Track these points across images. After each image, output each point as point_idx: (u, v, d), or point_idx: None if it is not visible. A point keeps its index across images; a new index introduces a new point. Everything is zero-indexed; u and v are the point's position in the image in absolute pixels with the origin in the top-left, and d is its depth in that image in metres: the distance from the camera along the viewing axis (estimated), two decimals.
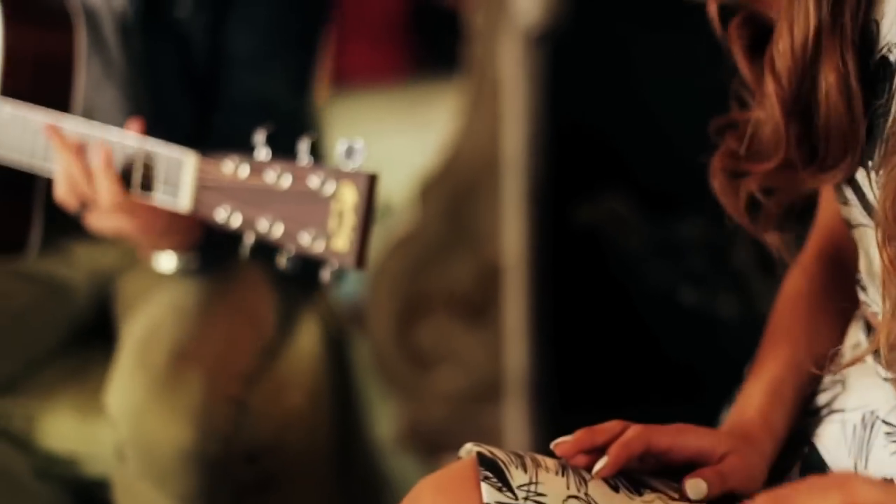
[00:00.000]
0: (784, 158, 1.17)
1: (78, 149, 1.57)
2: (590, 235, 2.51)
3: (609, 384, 2.53)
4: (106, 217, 1.59)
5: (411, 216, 2.79)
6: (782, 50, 1.13)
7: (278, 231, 1.38)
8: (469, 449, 1.17)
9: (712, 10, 1.21)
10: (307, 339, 2.13)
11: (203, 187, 1.44)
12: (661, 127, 2.35)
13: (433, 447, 2.85)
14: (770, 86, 1.15)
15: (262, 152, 1.40)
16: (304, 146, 1.37)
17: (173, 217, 1.59)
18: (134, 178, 1.54)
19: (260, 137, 1.40)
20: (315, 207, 1.35)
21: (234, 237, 1.73)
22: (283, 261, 1.39)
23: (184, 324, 1.82)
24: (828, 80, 1.12)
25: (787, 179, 1.21)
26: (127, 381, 1.76)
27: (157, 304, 1.87)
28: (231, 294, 1.91)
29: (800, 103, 1.14)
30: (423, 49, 6.56)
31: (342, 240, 1.34)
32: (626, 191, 2.49)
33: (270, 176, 1.38)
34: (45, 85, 1.71)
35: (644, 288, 2.42)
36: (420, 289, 2.80)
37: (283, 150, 1.41)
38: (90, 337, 2.03)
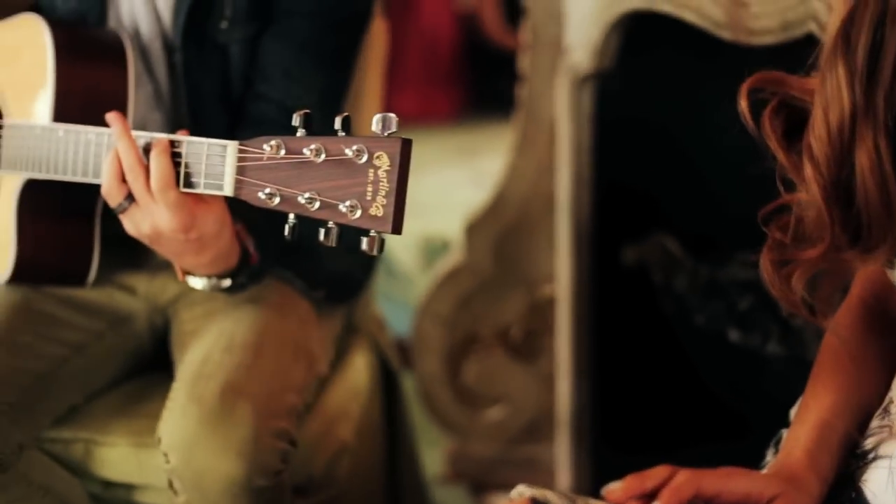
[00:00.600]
0: (830, 243, 1.17)
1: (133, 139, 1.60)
2: (638, 275, 2.52)
3: (656, 423, 2.53)
4: (147, 213, 1.59)
5: (460, 252, 2.81)
6: (819, 136, 1.14)
7: (318, 206, 1.38)
8: (521, 491, 1.17)
9: (743, 105, 1.20)
10: (357, 374, 2.15)
11: (244, 171, 1.45)
12: (712, 168, 2.36)
13: (481, 484, 2.85)
14: (809, 172, 1.15)
15: (301, 133, 1.42)
16: (339, 122, 1.38)
17: (216, 227, 1.61)
18: (179, 171, 1.55)
19: (297, 119, 1.41)
20: (351, 177, 1.36)
21: (268, 260, 1.76)
22: (323, 235, 1.39)
23: (235, 357, 1.83)
24: (862, 163, 1.12)
25: (836, 262, 1.20)
26: (179, 413, 1.78)
27: (209, 338, 1.89)
28: (282, 328, 1.93)
29: (840, 188, 1.14)
30: (476, 89, 6.60)
31: (378, 206, 1.35)
32: (674, 231, 2.50)
33: (308, 150, 1.39)
34: (96, 114, 1.73)
35: (692, 327, 2.42)
36: (468, 325, 2.80)
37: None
38: (148, 368, 2.07)
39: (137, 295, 2.05)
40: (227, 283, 1.75)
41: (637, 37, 2.40)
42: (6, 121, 1.90)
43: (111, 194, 1.62)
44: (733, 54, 2.21)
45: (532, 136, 2.65)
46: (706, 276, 2.45)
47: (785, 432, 1.40)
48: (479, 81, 6.59)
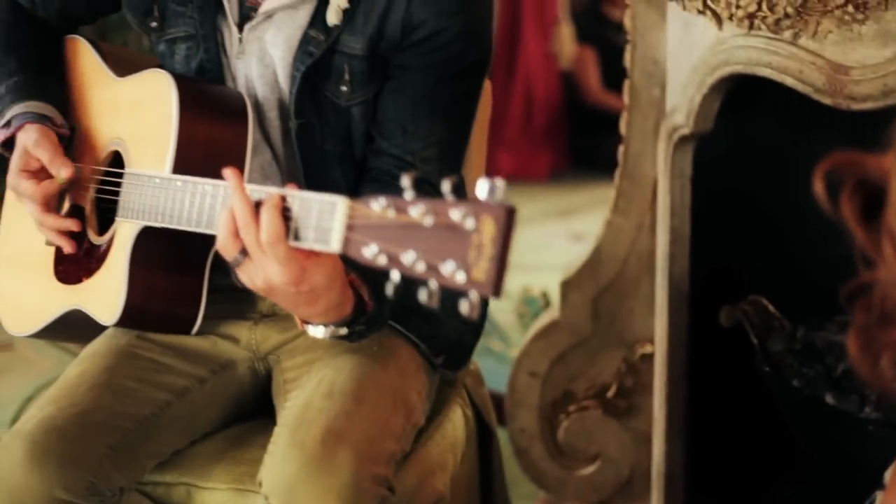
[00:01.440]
0: None
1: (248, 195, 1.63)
2: (735, 335, 2.52)
3: (750, 482, 2.52)
4: (260, 266, 1.61)
5: (557, 309, 2.82)
6: None
7: (421, 266, 1.40)
8: None
9: (819, 188, 1.19)
10: (453, 426, 2.17)
11: (352, 228, 1.47)
12: (810, 230, 2.36)
13: None
14: (890, 252, 1.14)
15: (409, 194, 1.43)
16: (446, 186, 1.39)
17: (327, 280, 1.63)
18: (289, 226, 1.58)
19: (406, 181, 1.43)
20: (456, 241, 1.37)
21: (382, 309, 1.78)
22: (424, 296, 1.40)
23: (336, 403, 1.86)
24: None
25: None
26: (280, 457, 1.80)
27: (311, 384, 1.92)
28: (382, 377, 1.95)
29: None
30: (574, 147, 6.62)
31: (481, 270, 1.36)
32: (772, 292, 2.50)
33: (415, 213, 1.40)
34: (214, 168, 1.78)
35: (788, 389, 2.41)
36: (564, 382, 2.81)
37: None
38: (249, 414, 2.10)
39: (240, 343, 2.09)
40: (343, 331, 1.77)
41: (737, 99, 2.42)
42: (128, 170, 1.97)
43: (226, 248, 1.64)
44: (833, 118, 2.22)
45: (631, 195, 2.67)
46: (803, 339, 2.44)
47: (879, 495, 1.40)
48: (577, 140, 6.62)
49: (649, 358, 2.68)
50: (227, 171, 1.65)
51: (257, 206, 1.61)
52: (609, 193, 2.73)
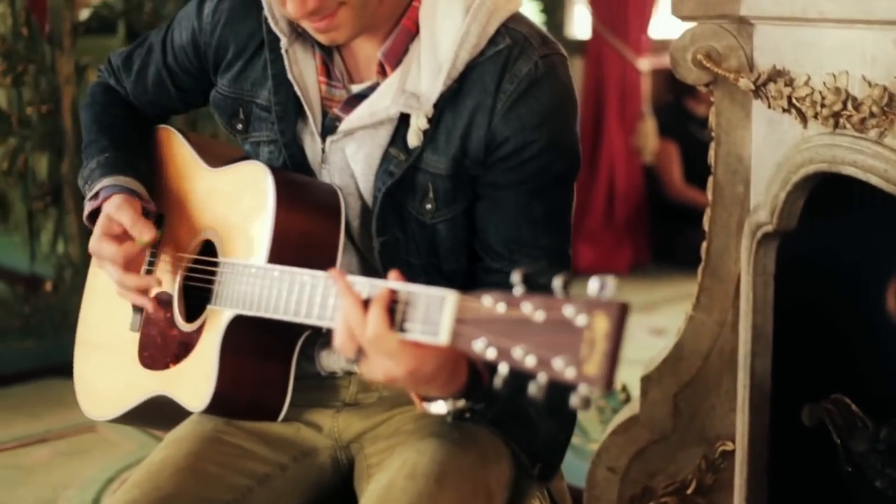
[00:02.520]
0: None
1: (356, 293, 1.65)
2: (817, 434, 2.49)
3: None
4: (376, 361, 1.63)
5: (637, 404, 2.81)
6: None
7: (532, 361, 1.41)
8: None
9: (892, 304, 1.21)
10: None
11: (461, 322, 1.49)
12: (892, 331, 2.34)
13: None
14: None
15: (519, 289, 1.45)
16: (558, 282, 1.41)
17: (439, 361, 1.64)
18: (396, 318, 1.60)
19: (516, 277, 1.45)
20: (568, 336, 1.38)
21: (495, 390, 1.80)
22: (533, 389, 1.41)
23: (418, 485, 1.86)
24: None
25: None
26: None
27: (393, 467, 1.93)
28: (463, 462, 1.95)
29: None
30: (656, 241, 6.61)
31: (593, 366, 1.37)
32: (855, 391, 2.48)
33: (526, 308, 1.42)
34: (308, 260, 1.82)
35: (870, 490, 2.38)
36: (643, 478, 2.79)
37: None
38: (331, 499, 2.11)
39: (322, 431, 2.10)
40: (462, 403, 1.77)
41: (822, 197, 2.41)
42: (222, 259, 2.00)
43: (345, 348, 1.66)
44: None
45: (714, 291, 2.66)
46: (886, 439, 2.41)
47: None
48: (658, 234, 6.61)
49: (730, 455, 2.66)
50: (332, 273, 1.68)
51: (367, 302, 1.63)
52: (690, 288, 2.73)
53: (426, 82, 1.90)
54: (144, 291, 2.04)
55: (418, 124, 1.92)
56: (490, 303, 1.46)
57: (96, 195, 2.09)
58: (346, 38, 1.90)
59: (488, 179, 1.95)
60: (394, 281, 1.63)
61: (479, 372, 1.76)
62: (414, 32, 1.92)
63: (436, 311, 1.53)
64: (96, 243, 2.03)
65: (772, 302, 2.51)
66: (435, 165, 1.94)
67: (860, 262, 2.45)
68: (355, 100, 1.97)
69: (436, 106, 1.91)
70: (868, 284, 2.36)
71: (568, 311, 1.39)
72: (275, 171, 1.97)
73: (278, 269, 1.85)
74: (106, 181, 2.09)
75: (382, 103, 1.93)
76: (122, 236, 2.02)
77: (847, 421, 2.46)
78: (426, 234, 1.99)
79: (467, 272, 2.02)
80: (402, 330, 1.59)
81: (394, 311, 1.60)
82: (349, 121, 1.97)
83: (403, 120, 1.94)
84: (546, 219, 1.97)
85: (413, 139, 1.93)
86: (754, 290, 2.50)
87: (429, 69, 1.90)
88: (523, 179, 1.93)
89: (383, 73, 1.95)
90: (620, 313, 1.38)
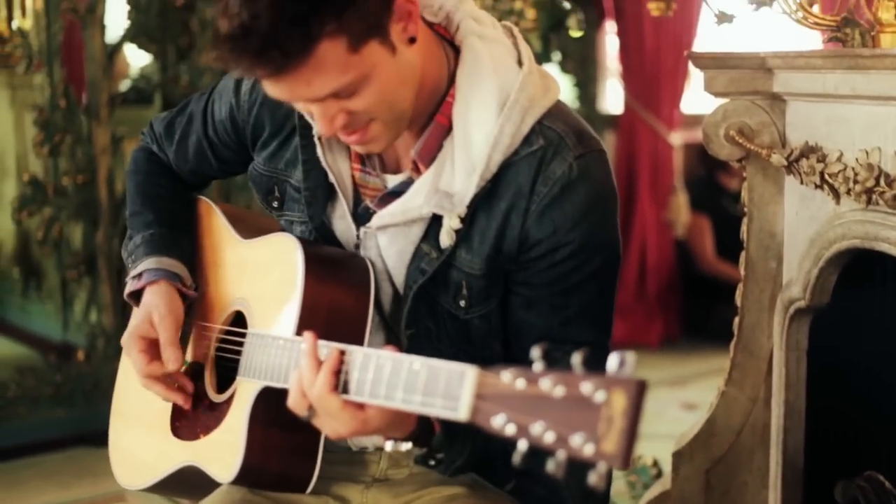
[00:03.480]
0: None
1: (317, 357, 1.73)
2: None
3: None
4: (323, 420, 1.73)
5: (668, 480, 2.79)
6: None
7: (550, 437, 1.40)
8: None
9: None
10: None
11: (481, 398, 1.49)
12: None
13: None
14: None
15: (538, 365, 1.45)
16: (577, 358, 1.41)
17: (384, 419, 1.71)
18: (340, 380, 1.69)
19: (536, 352, 1.45)
20: (586, 413, 1.38)
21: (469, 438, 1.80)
22: (552, 466, 1.40)
23: None
24: None
25: None
26: None
27: None
28: None
29: None
30: (687, 316, 6.59)
31: (611, 442, 1.36)
32: (888, 468, 2.46)
33: (545, 385, 1.42)
34: (336, 332, 1.81)
35: None
36: None
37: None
38: None
39: (350, 501, 2.09)
40: (406, 446, 1.82)
41: (855, 273, 2.41)
42: (251, 330, 2.01)
43: (296, 406, 1.76)
44: None
45: (746, 367, 2.65)
46: None
47: None
48: (690, 308, 6.59)
49: None
50: (305, 335, 1.75)
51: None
52: (722, 363, 2.72)
53: (459, 182, 1.88)
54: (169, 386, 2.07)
55: (451, 224, 1.91)
56: (509, 378, 1.46)
57: (139, 275, 2.10)
58: (381, 148, 1.89)
59: (521, 278, 1.93)
60: (391, 350, 1.67)
61: (429, 420, 1.80)
62: (447, 128, 1.90)
63: (456, 386, 1.53)
64: (129, 341, 2.06)
65: (804, 378, 2.50)
66: (469, 265, 1.93)
67: (893, 338, 2.43)
68: (389, 197, 1.97)
69: (469, 206, 1.89)
70: None
71: (586, 387, 1.39)
72: (304, 243, 1.97)
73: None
74: (150, 262, 2.11)
75: (415, 202, 1.92)
76: (154, 346, 2.05)
77: (881, 498, 2.44)
78: (459, 327, 1.98)
79: (502, 358, 2.00)
80: (345, 391, 1.69)
81: (340, 372, 1.69)
82: (381, 216, 1.96)
83: (436, 217, 1.92)
84: (581, 315, 1.95)
85: (445, 239, 1.92)
86: (787, 365, 2.49)
87: (462, 169, 1.88)
88: (556, 279, 1.91)
89: (416, 169, 1.94)
90: (638, 390, 1.37)
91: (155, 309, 2.05)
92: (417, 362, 1.60)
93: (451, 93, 1.90)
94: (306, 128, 2.01)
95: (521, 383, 1.45)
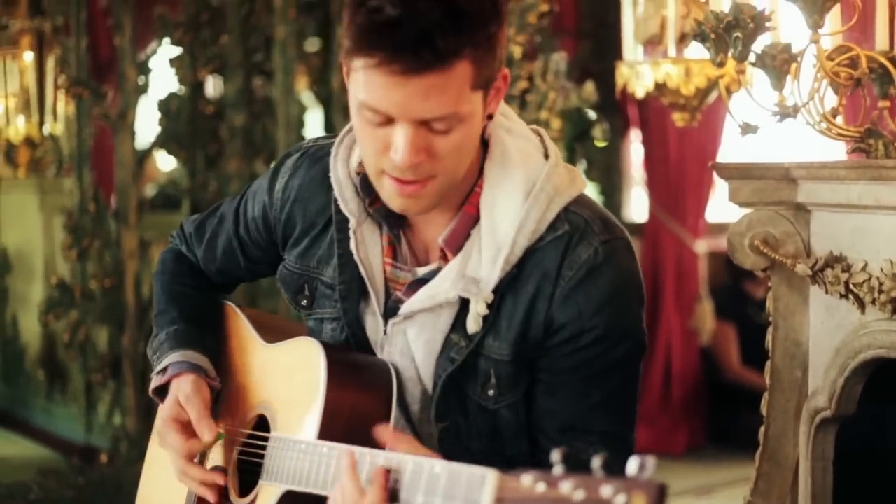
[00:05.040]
0: None
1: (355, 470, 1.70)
2: None
3: None
4: None
5: None
6: None
7: None
8: None
9: None
10: None
11: (501, 501, 1.47)
12: None
13: None
14: None
15: (559, 468, 1.43)
16: (597, 462, 1.40)
17: None
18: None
19: (556, 456, 1.43)
20: None
21: None
22: None
23: None
24: None
25: None
26: None
27: None
28: None
29: None
30: (712, 424, 6.55)
31: None
32: None
33: (565, 488, 1.40)
34: (358, 436, 1.82)
35: None
36: None
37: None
38: None
39: None
40: None
41: (881, 383, 2.40)
42: (274, 434, 2.01)
43: None
44: None
45: (772, 477, 2.64)
46: None
47: None
48: (715, 416, 6.56)
49: None
50: (346, 453, 1.74)
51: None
52: (747, 472, 2.70)
53: (485, 267, 1.89)
54: (206, 484, 2.05)
55: (477, 310, 1.91)
56: (529, 482, 1.45)
57: (164, 370, 2.11)
58: (420, 210, 1.90)
59: (545, 364, 1.93)
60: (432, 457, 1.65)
61: None
62: (475, 218, 1.92)
63: (476, 490, 1.52)
64: (163, 428, 2.06)
65: (831, 488, 2.48)
66: (497, 352, 1.92)
67: None
68: (418, 284, 1.97)
69: (496, 291, 1.90)
70: None
71: (606, 491, 1.38)
72: (327, 347, 1.98)
73: (327, 445, 1.86)
74: (174, 356, 2.11)
75: (442, 287, 1.92)
76: (188, 426, 2.05)
77: None
78: (488, 420, 1.97)
79: (530, 455, 1.99)
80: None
81: (394, 490, 1.63)
82: (410, 304, 1.96)
83: (465, 306, 1.93)
84: (604, 404, 1.94)
85: (472, 325, 1.92)
86: (813, 475, 2.47)
87: (488, 254, 1.89)
88: (579, 366, 1.91)
89: (445, 259, 1.95)
90: (659, 494, 1.36)
91: (182, 393, 2.05)
92: (438, 465, 1.60)
93: (479, 183, 1.93)
94: (343, 221, 2.02)
95: (541, 487, 1.44)
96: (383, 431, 1.74)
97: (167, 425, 2.05)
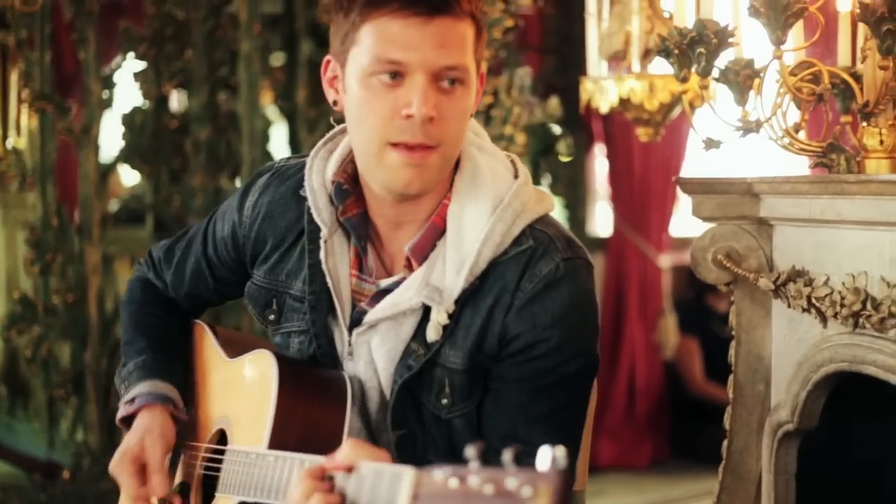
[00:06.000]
0: None
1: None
2: None
3: None
4: None
5: None
6: None
7: None
8: None
9: None
10: None
11: (416, 499, 1.48)
12: None
13: None
14: None
15: (473, 464, 1.43)
16: (508, 455, 1.40)
17: None
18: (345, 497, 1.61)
19: (471, 451, 1.43)
20: None
21: None
22: None
23: None
24: None
25: None
26: None
27: None
28: None
29: None
30: (679, 435, 6.57)
31: None
32: None
33: (474, 482, 1.41)
34: (310, 447, 1.82)
35: None
36: None
37: None
38: None
39: None
40: None
41: (843, 396, 2.41)
42: (230, 446, 2.01)
43: None
44: None
45: (734, 490, 2.65)
46: None
47: None
48: (678, 430, 6.58)
49: None
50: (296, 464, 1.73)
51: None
52: (711, 485, 2.71)
53: (449, 277, 1.92)
54: None
55: (438, 319, 1.93)
56: (442, 477, 1.45)
57: (132, 400, 2.11)
58: (422, 186, 1.92)
59: (496, 372, 1.95)
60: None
61: None
62: (442, 229, 1.95)
63: (395, 488, 1.52)
64: (118, 466, 2.05)
65: (793, 501, 2.49)
66: (452, 361, 1.95)
67: (881, 460, 2.43)
68: (381, 294, 1.99)
69: (457, 302, 1.93)
70: (890, 481, 2.35)
71: (511, 483, 1.38)
72: (280, 359, 1.99)
73: (273, 454, 1.86)
74: (143, 387, 2.12)
75: (406, 294, 1.95)
76: (144, 470, 2.04)
77: None
78: (442, 430, 1.99)
79: None
80: None
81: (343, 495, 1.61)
82: (373, 312, 1.98)
83: (426, 315, 1.95)
84: (548, 418, 1.95)
85: (432, 333, 1.94)
86: (776, 489, 2.48)
87: (452, 265, 1.92)
88: (530, 376, 1.93)
89: (410, 268, 1.97)
90: (563, 483, 1.37)
91: (147, 433, 2.05)
92: (366, 467, 1.60)
93: (447, 196, 1.96)
94: (315, 231, 2.03)
95: (454, 482, 1.45)
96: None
97: (125, 464, 2.05)
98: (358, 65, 1.89)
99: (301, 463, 1.78)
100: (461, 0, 1.86)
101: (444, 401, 1.97)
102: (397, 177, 1.90)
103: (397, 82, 1.86)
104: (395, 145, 1.88)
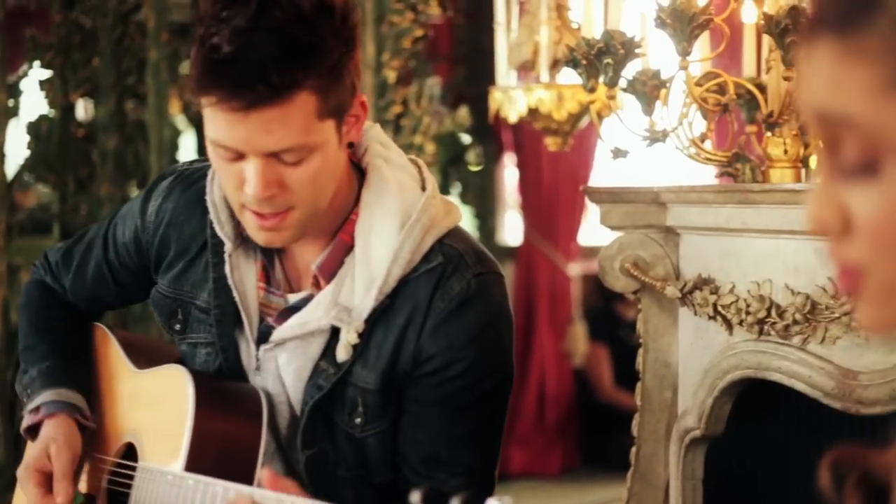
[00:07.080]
0: None
1: None
2: None
3: None
4: None
5: None
6: None
7: None
8: None
9: (824, 479, 1.20)
10: None
11: None
12: None
13: None
14: None
15: None
16: (456, 501, 1.37)
17: None
18: None
19: (415, 497, 1.40)
20: None
21: None
22: None
23: None
24: None
25: None
26: None
27: None
28: None
29: None
30: (585, 445, 6.62)
31: None
32: None
33: None
34: (226, 467, 1.81)
35: None
36: None
37: None
38: None
39: None
40: None
41: (749, 402, 2.44)
42: (141, 464, 1.98)
43: None
44: (843, 422, 2.25)
45: (643, 496, 2.66)
46: None
47: None
48: (588, 437, 6.62)
49: None
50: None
51: None
52: (621, 492, 2.73)
53: (358, 296, 1.89)
54: None
55: (348, 339, 1.90)
56: None
57: (37, 409, 2.07)
58: (284, 243, 1.90)
59: (411, 394, 1.93)
60: (294, 495, 1.61)
61: None
62: (350, 246, 1.92)
63: None
64: (25, 474, 2.02)
65: None
66: (365, 380, 1.92)
67: (787, 467, 2.46)
68: (289, 312, 1.97)
69: (367, 321, 1.90)
70: (796, 488, 2.38)
71: None
72: (196, 375, 1.96)
73: (193, 478, 1.84)
74: (48, 394, 2.07)
75: (315, 314, 1.92)
76: (49, 479, 2.01)
77: None
78: (355, 447, 1.96)
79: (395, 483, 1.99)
80: None
81: None
82: (281, 331, 1.95)
83: (335, 333, 1.92)
84: (469, 436, 1.95)
85: (342, 353, 1.91)
86: (683, 495, 2.50)
87: (362, 284, 1.89)
88: (447, 397, 1.92)
89: (318, 286, 1.94)
90: None
91: (53, 441, 2.02)
92: (289, 501, 1.59)
93: (355, 211, 1.93)
94: (218, 245, 2.00)
95: None
96: (264, 473, 1.72)
97: (29, 473, 2.01)
98: (206, 130, 1.84)
99: (225, 490, 1.76)
100: (291, 77, 1.74)
101: (358, 420, 1.94)
102: (257, 236, 1.90)
103: (237, 158, 1.81)
104: (248, 207, 1.85)
